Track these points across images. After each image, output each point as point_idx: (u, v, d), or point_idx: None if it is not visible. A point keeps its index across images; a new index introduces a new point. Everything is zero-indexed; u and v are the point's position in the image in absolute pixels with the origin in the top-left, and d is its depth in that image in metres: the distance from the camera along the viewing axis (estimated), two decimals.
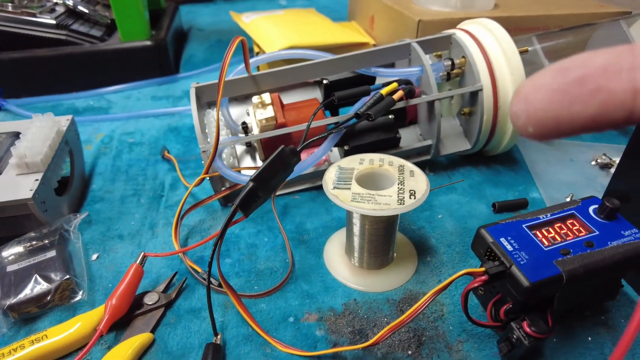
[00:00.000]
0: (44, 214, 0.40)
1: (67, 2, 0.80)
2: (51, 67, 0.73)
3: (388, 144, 0.49)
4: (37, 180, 0.40)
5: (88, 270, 0.40)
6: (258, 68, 0.71)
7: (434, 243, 0.42)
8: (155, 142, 0.60)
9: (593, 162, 0.53)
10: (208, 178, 0.44)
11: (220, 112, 0.50)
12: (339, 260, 0.40)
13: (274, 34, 0.71)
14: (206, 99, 0.48)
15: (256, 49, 0.74)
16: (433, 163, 0.52)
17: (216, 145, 0.41)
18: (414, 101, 0.46)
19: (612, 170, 0.52)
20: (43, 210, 0.40)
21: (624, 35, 0.56)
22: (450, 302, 0.36)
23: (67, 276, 0.36)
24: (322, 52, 0.49)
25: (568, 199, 0.47)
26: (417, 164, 0.51)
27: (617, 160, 0.53)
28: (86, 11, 0.81)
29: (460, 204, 0.47)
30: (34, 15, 0.74)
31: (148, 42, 0.76)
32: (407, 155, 0.50)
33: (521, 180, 0.51)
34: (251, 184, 0.32)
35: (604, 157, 0.53)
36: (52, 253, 0.39)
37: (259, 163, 0.50)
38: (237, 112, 0.52)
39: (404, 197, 0.34)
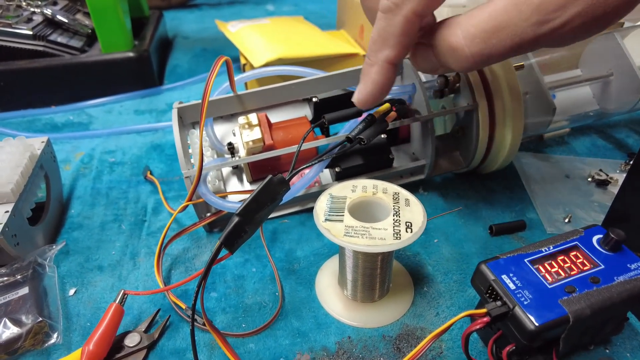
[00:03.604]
0: (16, 247, 0.38)
1: (45, 11, 0.77)
2: (28, 80, 0.70)
3: (381, 165, 0.47)
4: (7, 212, 0.37)
5: (64, 307, 0.38)
6: (246, 84, 0.68)
7: (431, 271, 0.40)
8: (138, 161, 0.57)
9: (589, 179, 0.52)
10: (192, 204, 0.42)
11: (205, 132, 0.48)
12: (332, 292, 0.38)
13: (260, 45, 0.69)
14: (189, 120, 0.46)
15: (242, 61, 0.71)
16: (427, 182, 0.51)
17: (200, 172, 0.39)
18: (407, 121, 0.44)
19: (609, 187, 0.51)
20: (14, 244, 0.38)
21: (619, 47, 0.54)
22: (449, 337, 0.34)
23: (40, 319, 0.33)
24: (311, 69, 0.47)
25: (566, 220, 0.46)
26: (411, 184, 0.49)
27: (614, 176, 0.52)
28: (65, 20, 0.78)
29: (457, 226, 0.45)
30: (9, 25, 0.71)
31: (130, 54, 0.73)
32: (400, 175, 0.48)
33: (517, 199, 0.49)
34: (237, 219, 0.30)
35: (600, 172, 0.52)
36: (24, 290, 0.36)
37: (247, 185, 0.48)
38: (222, 129, 0.50)
39: (400, 231, 0.32)
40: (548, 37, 0.23)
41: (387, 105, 0.43)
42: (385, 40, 0.27)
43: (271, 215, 0.47)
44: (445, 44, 0.26)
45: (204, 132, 0.48)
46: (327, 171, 0.49)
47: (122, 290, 0.35)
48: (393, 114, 0.42)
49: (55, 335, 0.34)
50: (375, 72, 0.29)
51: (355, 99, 0.31)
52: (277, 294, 0.38)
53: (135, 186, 0.52)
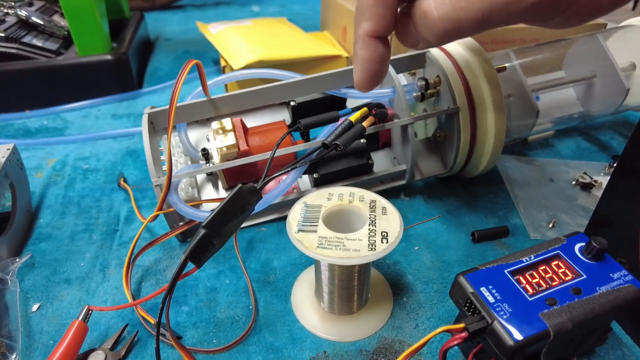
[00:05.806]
0: None
1: (20, 13, 0.75)
2: (0, 84, 0.68)
3: (360, 171, 0.45)
4: None
5: (26, 324, 0.36)
6: (226, 87, 0.67)
7: (411, 280, 0.39)
8: (112, 167, 0.55)
9: (574, 182, 0.51)
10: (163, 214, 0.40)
11: (178, 138, 0.46)
12: (308, 305, 0.37)
13: (241, 47, 0.67)
14: (162, 125, 0.44)
15: (223, 63, 0.70)
16: (409, 187, 0.49)
17: (169, 180, 0.37)
18: (385, 126, 0.43)
19: (593, 191, 0.50)
20: None
21: (601, 49, 0.54)
22: (428, 351, 0.33)
23: None
24: (288, 72, 0.46)
25: (550, 225, 0.45)
26: (392, 189, 0.48)
27: (598, 179, 0.51)
28: (40, 22, 0.76)
29: (438, 232, 0.44)
30: None
31: (108, 57, 0.71)
32: (381, 180, 0.47)
33: (501, 204, 0.48)
34: (203, 232, 0.29)
35: (584, 176, 0.51)
36: None
37: (222, 193, 0.46)
38: (198, 134, 0.49)
39: (375, 241, 0.30)
40: (520, 14, 0.22)
41: (365, 109, 0.42)
42: (361, 14, 0.26)
43: (248, 223, 0.45)
44: (419, 9, 0.25)
45: (177, 138, 0.46)
46: (306, 177, 0.48)
47: (86, 306, 0.33)
48: (371, 118, 0.41)
49: (13, 356, 0.32)
50: (359, 47, 0.28)
51: (354, 83, 0.31)
52: (250, 307, 0.37)
53: (109, 194, 0.51)
